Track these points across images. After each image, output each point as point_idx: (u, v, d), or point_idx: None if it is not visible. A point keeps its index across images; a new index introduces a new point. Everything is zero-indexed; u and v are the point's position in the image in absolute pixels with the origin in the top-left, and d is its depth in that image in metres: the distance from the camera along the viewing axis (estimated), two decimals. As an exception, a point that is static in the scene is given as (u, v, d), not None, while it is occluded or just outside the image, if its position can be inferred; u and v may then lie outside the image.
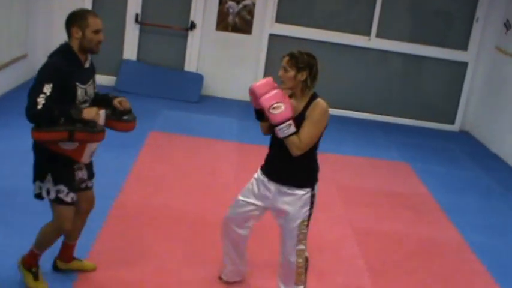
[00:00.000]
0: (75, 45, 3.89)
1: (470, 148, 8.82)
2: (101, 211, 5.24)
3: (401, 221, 5.96)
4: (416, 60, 9.50)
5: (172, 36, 9.32)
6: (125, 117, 4.02)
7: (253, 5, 9.20)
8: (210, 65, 9.33)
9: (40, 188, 3.88)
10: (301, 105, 3.87)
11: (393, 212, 6.14)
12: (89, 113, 3.76)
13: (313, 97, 3.90)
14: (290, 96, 3.91)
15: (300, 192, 3.98)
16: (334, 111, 9.13)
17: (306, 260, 4.14)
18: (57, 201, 3.87)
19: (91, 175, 4.15)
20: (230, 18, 9.24)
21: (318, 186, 4.11)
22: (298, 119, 3.80)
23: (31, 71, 9.08)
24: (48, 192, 3.86)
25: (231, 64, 9.35)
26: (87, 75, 3.96)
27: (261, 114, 3.94)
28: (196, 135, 7.59)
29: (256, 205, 4.10)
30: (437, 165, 7.76)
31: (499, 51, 9.03)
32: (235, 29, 9.27)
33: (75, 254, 4.37)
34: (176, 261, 4.74)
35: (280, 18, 9.29)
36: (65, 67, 3.79)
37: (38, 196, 3.91)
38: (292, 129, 3.74)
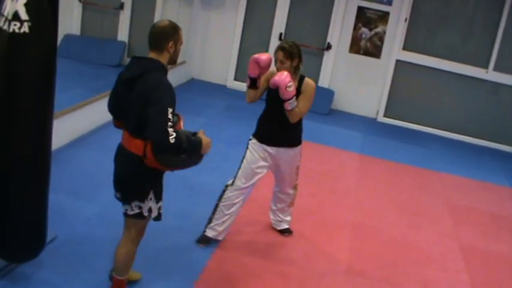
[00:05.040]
0: (164, 59, 3.26)
1: None
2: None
3: (507, 243, 5.55)
4: (529, 95, 8.92)
5: (310, 55, 9.20)
6: None
7: (384, 32, 8.96)
8: (341, 83, 9.16)
9: (140, 208, 3.34)
10: (295, 84, 4.17)
11: (499, 234, 5.73)
12: (207, 147, 3.33)
13: (302, 77, 4.29)
14: None
15: (297, 148, 4.44)
16: (448, 135, 8.94)
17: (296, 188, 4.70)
18: (158, 218, 3.46)
19: None
20: (362, 42, 9.04)
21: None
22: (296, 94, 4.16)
23: (188, 75, 9.33)
24: (150, 211, 3.38)
25: (359, 83, 9.16)
26: None
27: (254, 83, 4.27)
28: (324, 143, 7.44)
29: (264, 169, 4.40)
30: (544, 193, 7.21)
31: None
32: (366, 52, 9.05)
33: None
34: (297, 253, 4.63)
35: (407, 46, 8.99)
36: None
37: (138, 216, 3.37)
38: (296, 102, 4.14)
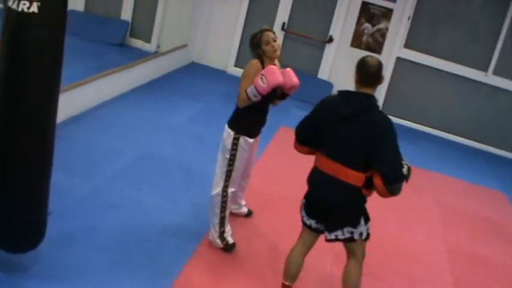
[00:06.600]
0: (374, 92, 3.49)
1: None
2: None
3: (493, 246, 5.63)
4: (527, 102, 8.97)
5: (311, 46, 9.24)
6: None
7: (386, 29, 8.99)
8: (341, 76, 9.19)
9: (351, 233, 3.55)
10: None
11: (486, 237, 5.81)
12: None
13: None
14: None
15: None
16: (443, 135, 9.00)
17: None
18: (368, 237, 3.64)
19: None
20: (364, 37, 9.08)
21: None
22: None
23: (188, 59, 9.34)
24: (361, 234, 3.58)
25: (358, 78, 9.17)
26: None
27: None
28: (319, 136, 7.47)
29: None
30: (533, 200, 7.28)
31: None
32: (368, 47, 9.07)
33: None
34: (288, 243, 4.67)
35: (408, 44, 9.02)
36: None
37: (348, 240, 3.58)
38: None
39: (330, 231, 3.60)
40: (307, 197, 3.72)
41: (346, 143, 3.42)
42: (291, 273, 3.80)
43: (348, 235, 3.56)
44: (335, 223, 3.57)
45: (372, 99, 3.43)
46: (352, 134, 3.40)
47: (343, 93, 3.51)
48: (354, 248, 3.66)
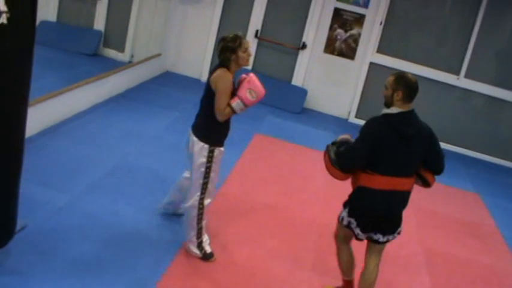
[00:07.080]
0: None
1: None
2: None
3: (467, 247, 5.70)
4: (498, 103, 9.07)
5: (285, 53, 9.28)
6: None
7: (359, 35, 9.08)
8: (315, 82, 9.26)
9: (400, 232, 3.91)
10: None
11: (461, 238, 5.87)
12: None
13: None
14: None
15: None
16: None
17: None
18: None
19: None
20: (337, 43, 9.14)
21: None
22: None
23: (163, 68, 9.33)
24: (399, 232, 3.92)
25: (332, 84, 9.26)
26: None
27: None
28: (295, 142, 7.51)
29: None
30: (506, 200, 7.37)
31: None
32: (341, 53, 9.16)
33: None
34: (264, 251, 4.69)
35: (381, 49, 9.11)
36: None
37: (394, 237, 3.92)
38: None
39: (384, 235, 3.83)
40: (362, 216, 3.82)
41: (411, 158, 3.69)
42: (352, 268, 4.09)
43: (396, 235, 3.86)
44: (393, 229, 3.83)
45: (415, 113, 3.72)
46: (416, 148, 3.68)
47: (398, 115, 3.67)
48: (380, 249, 3.93)
